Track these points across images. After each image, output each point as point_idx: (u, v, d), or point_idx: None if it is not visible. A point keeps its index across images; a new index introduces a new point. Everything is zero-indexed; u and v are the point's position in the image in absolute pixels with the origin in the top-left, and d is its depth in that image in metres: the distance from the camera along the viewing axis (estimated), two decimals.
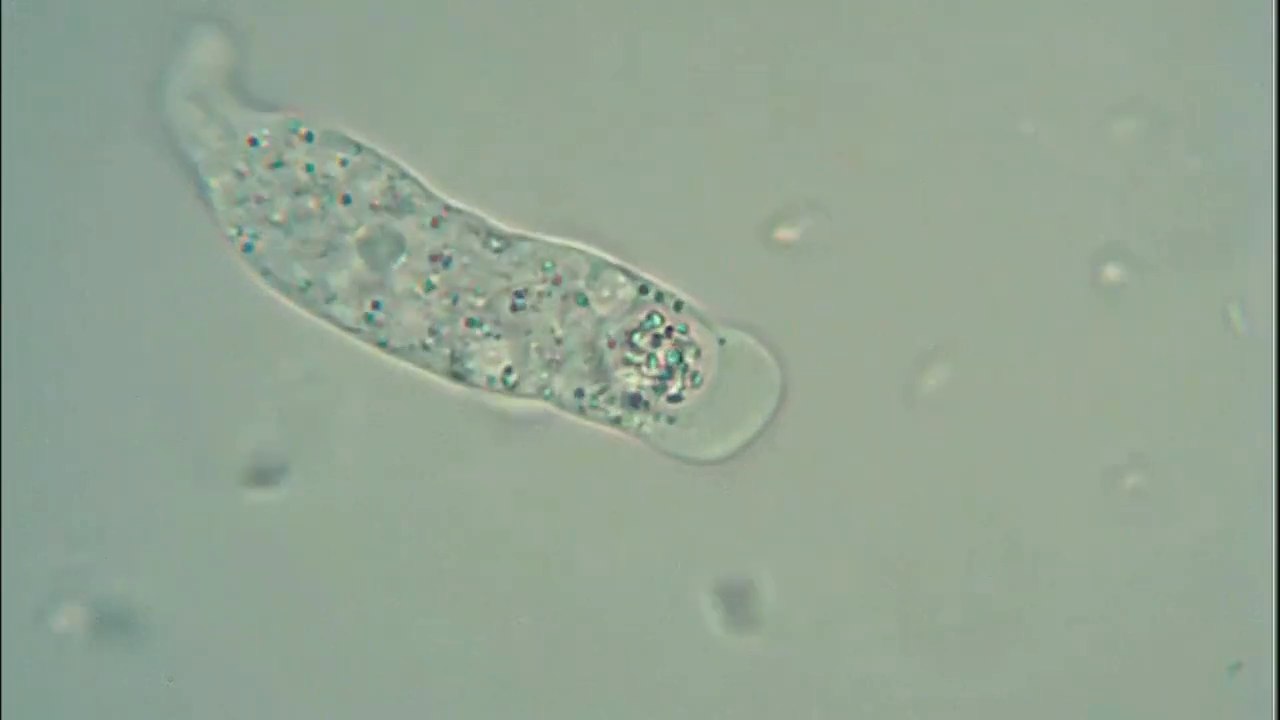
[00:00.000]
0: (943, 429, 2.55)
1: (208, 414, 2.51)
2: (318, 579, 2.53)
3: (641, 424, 2.48)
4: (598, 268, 2.47)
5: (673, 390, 2.47)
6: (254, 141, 2.44)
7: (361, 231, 2.40)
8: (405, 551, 2.53)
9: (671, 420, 2.48)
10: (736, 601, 2.52)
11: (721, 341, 2.50)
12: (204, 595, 2.52)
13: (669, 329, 2.47)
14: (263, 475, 2.50)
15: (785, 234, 2.53)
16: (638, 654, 2.55)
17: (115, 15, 2.50)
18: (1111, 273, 2.55)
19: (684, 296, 2.49)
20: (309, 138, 2.43)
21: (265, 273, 2.46)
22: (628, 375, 2.47)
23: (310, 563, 2.53)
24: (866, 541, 2.56)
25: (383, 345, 2.47)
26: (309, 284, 2.45)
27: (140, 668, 2.52)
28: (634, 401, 2.47)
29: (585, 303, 2.46)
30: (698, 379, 2.48)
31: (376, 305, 2.45)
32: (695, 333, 2.48)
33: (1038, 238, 2.56)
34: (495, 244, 2.47)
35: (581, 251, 2.49)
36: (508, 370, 2.46)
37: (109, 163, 2.50)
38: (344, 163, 2.45)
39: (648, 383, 2.47)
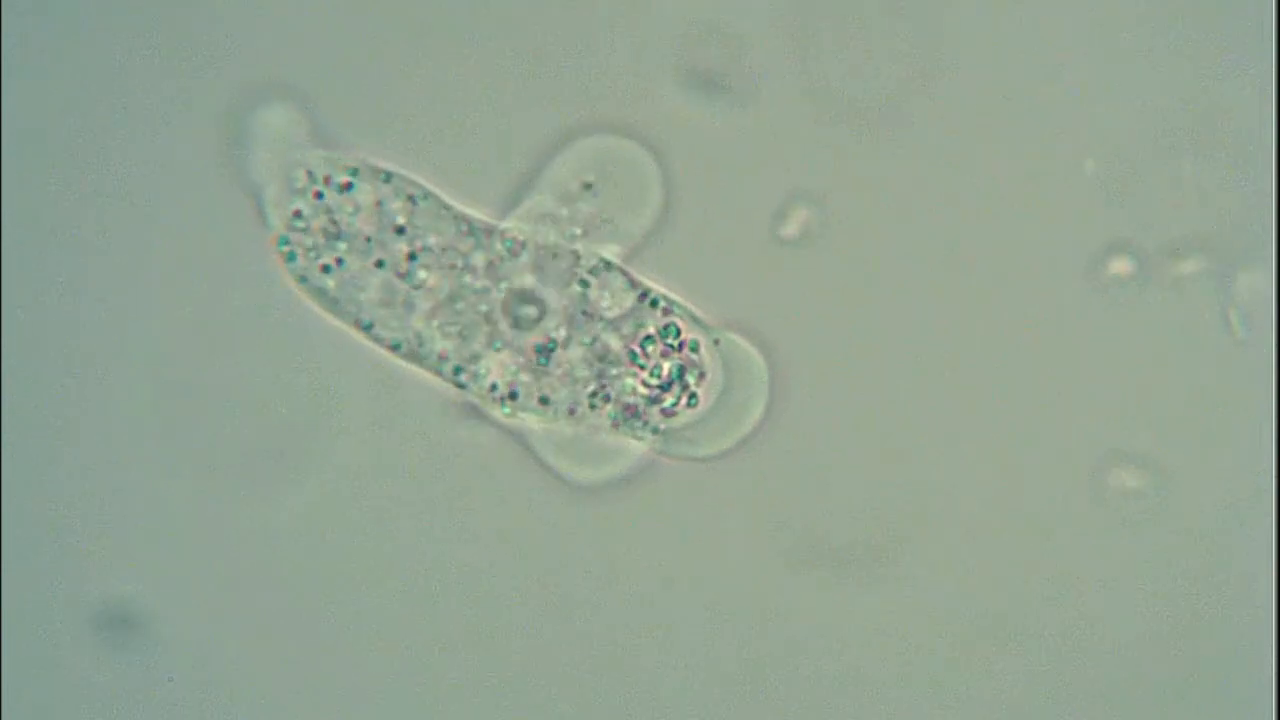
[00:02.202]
0: (939, 430, 2.57)
1: (213, 414, 2.53)
2: (319, 580, 2.55)
3: (634, 428, 2.48)
4: (598, 270, 2.46)
5: (666, 403, 2.47)
6: (349, 186, 2.45)
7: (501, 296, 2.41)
8: (407, 553, 2.55)
9: (655, 430, 2.48)
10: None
11: (716, 342, 2.49)
12: (204, 595, 2.54)
13: (682, 344, 2.46)
14: None
15: (790, 230, 2.52)
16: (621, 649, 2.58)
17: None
18: (1111, 275, 2.57)
19: (683, 301, 2.50)
20: (350, 187, 2.43)
21: (301, 280, 2.46)
22: (629, 375, 2.46)
23: (312, 564, 2.55)
24: (862, 544, 2.57)
25: (396, 348, 2.46)
26: (370, 325, 2.45)
27: (140, 668, 2.53)
28: (630, 412, 2.46)
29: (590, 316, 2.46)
30: (694, 400, 2.49)
31: (458, 370, 2.47)
32: (705, 352, 2.47)
33: (1037, 239, 2.58)
34: (508, 244, 2.46)
35: (579, 253, 2.49)
36: (511, 391, 2.46)
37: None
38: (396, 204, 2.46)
39: (644, 390, 2.46)
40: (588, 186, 2.46)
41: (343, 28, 2.55)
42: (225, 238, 2.53)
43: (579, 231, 2.48)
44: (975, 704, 2.56)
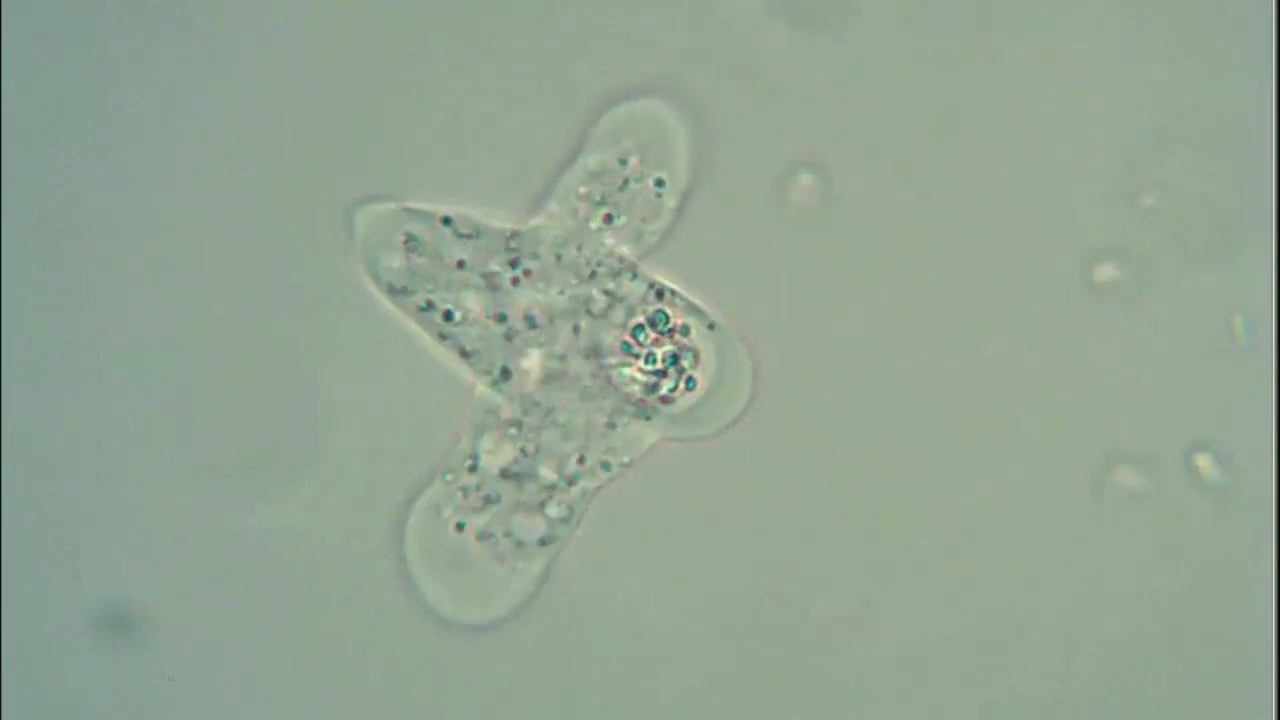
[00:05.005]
0: (935, 429, 2.56)
1: (214, 416, 2.54)
2: (319, 581, 2.55)
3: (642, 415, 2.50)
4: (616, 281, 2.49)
5: (664, 389, 2.47)
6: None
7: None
8: (407, 556, 2.54)
9: (648, 417, 2.50)
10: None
11: (711, 327, 2.50)
12: (204, 596, 2.54)
13: (673, 329, 2.47)
14: None
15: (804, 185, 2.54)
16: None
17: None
18: (1109, 275, 2.56)
19: (679, 289, 2.51)
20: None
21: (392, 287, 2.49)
22: (625, 365, 2.47)
23: (313, 564, 2.55)
24: (853, 542, 2.57)
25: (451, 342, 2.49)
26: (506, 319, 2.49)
27: (140, 668, 2.53)
28: (640, 405, 2.48)
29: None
30: (693, 383, 2.50)
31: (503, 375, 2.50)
32: (695, 336, 2.48)
33: (1036, 239, 2.57)
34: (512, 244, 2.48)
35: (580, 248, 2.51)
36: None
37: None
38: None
39: (641, 378, 2.47)
40: (623, 162, 2.48)
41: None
42: (241, 242, 2.57)
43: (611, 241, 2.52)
44: (975, 705, 2.55)
